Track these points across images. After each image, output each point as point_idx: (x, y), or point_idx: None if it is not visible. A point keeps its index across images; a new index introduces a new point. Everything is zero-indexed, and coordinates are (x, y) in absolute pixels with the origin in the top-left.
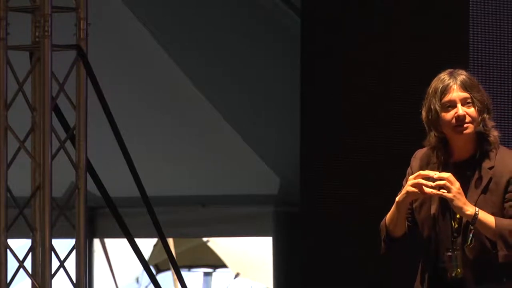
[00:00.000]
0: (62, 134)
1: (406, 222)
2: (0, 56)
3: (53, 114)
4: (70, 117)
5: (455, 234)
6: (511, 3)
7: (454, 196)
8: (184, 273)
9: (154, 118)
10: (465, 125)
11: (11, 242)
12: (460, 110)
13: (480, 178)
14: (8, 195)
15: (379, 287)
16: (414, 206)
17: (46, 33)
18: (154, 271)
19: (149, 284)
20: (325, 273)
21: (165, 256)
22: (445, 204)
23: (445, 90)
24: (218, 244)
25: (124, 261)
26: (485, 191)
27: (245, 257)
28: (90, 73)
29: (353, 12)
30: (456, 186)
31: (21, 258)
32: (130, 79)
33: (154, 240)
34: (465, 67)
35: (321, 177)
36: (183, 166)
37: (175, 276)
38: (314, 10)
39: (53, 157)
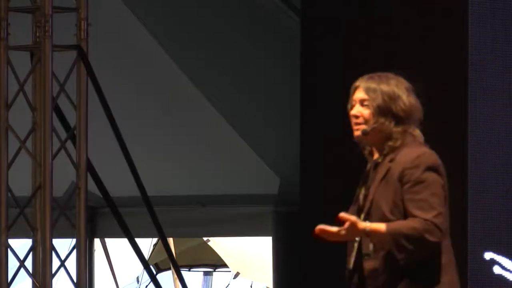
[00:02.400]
0: (63, 134)
1: None
2: (0, 56)
3: (54, 114)
4: (71, 117)
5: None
6: (511, 3)
7: (354, 232)
8: (184, 273)
9: (154, 118)
10: (356, 127)
11: (12, 241)
12: (353, 110)
13: (381, 170)
14: (9, 194)
15: None
16: None
17: (46, 33)
18: (154, 271)
19: (149, 283)
20: (325, 273)
21: (165, 255)
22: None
23: (352, 90)
24: (218, 244)
25: (125, 260)
26: (382, 181)
27: (245, 256)
28: (91, 73)
29: (353, 12)
30: (348, 230)
31: (21, 258)
32: (130, 79)
33: (154, 240)
34: (464, 67)
35: (321, 177)
36: (183, 166)
37: (175, 276)
38: (314, 10)
39: (53, 156)
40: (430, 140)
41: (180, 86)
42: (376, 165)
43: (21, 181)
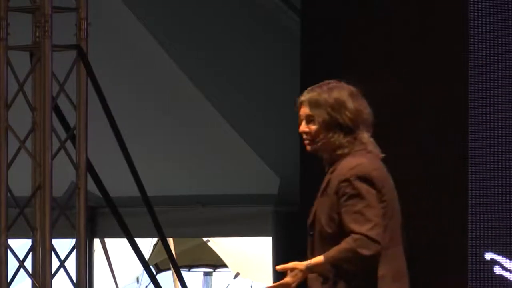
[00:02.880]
0: (63, 134)
1: None
2: (0, 56)
3: (54, 114)
4: (71, 117)
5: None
6: (511, 3)
7: (301, 274)
8: (184, 273)
9: (154, 118)
10: (306, 142)
11: (12, 242)
12: (301, 126)
13: (325, 181)
14: (9, 194)
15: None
16: None
17: (46, 33)
18: (154, 271)
19: (149, 283)
20: None
21: (165, 256)
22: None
23: (298, 105)
24: (218, 244)
25: (124, 261)
26: (323, 193)
27: (245, 257)
28: (90, 73)
29: (353, 12)
30: (294, 276)
31: (21, 258)
32: (130, 79)
33: (154, 240)
34: (464, 67)
35: (321, 177)
36: (183, 166)
37: (175, 276)
38: (314, 10)
39: (53, 157)
40: (431, 140)
41: (180, 86)
42: (325, 175)
43: (21, 181)
